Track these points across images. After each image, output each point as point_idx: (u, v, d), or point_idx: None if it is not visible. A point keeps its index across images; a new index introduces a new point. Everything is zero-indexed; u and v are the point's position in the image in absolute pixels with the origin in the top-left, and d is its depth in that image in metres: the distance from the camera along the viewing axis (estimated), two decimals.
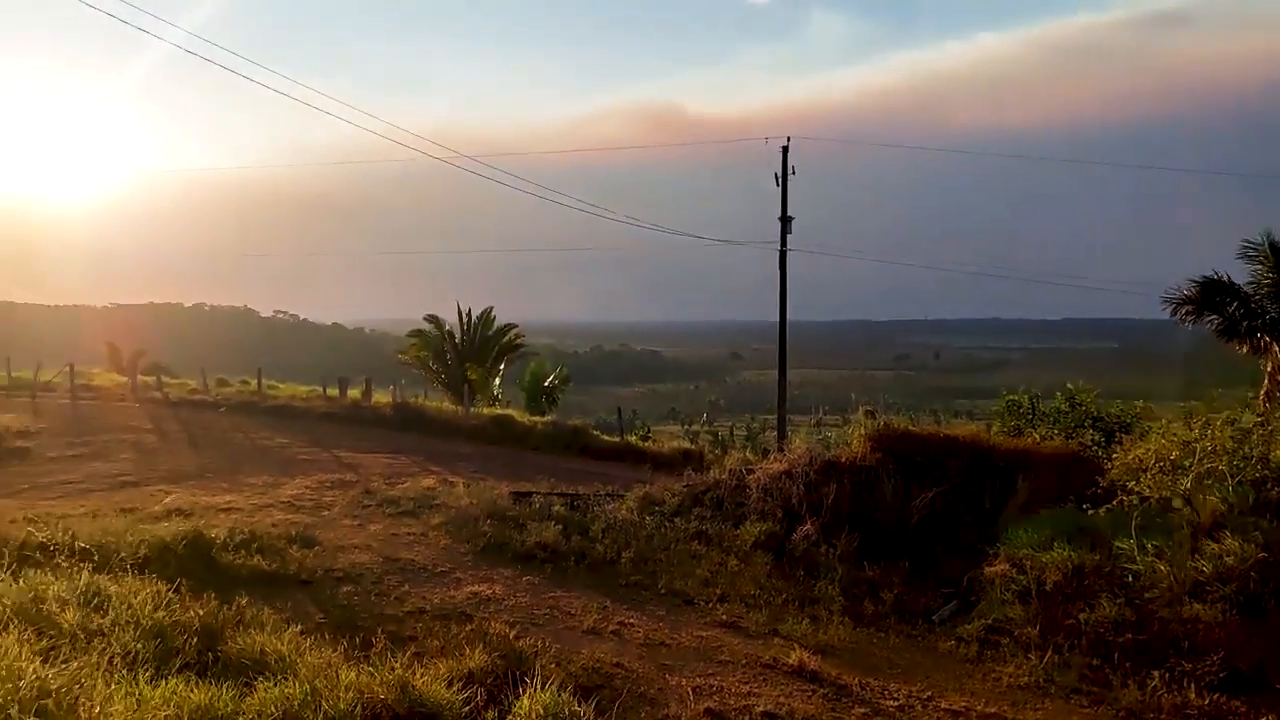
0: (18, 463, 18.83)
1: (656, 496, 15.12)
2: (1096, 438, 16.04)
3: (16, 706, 3.91)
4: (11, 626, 6.39)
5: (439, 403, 32.77)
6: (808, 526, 13.17)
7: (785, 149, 32.29)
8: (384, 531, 12.96)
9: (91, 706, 4.23)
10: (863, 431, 15.01)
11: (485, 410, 30.61)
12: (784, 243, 32.39)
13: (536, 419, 28.61)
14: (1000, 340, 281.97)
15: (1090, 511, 11.43)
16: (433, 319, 43.70)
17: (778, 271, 32.69)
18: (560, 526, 12.98)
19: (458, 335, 42.87)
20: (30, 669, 4.38)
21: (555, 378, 39.45)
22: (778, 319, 33.48)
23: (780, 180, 32.10)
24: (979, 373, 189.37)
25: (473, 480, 16.84)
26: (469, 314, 43.24)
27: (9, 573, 8.60)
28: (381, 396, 30.73)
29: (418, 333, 44.08)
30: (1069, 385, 16.84)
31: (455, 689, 6.39)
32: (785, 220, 32.23)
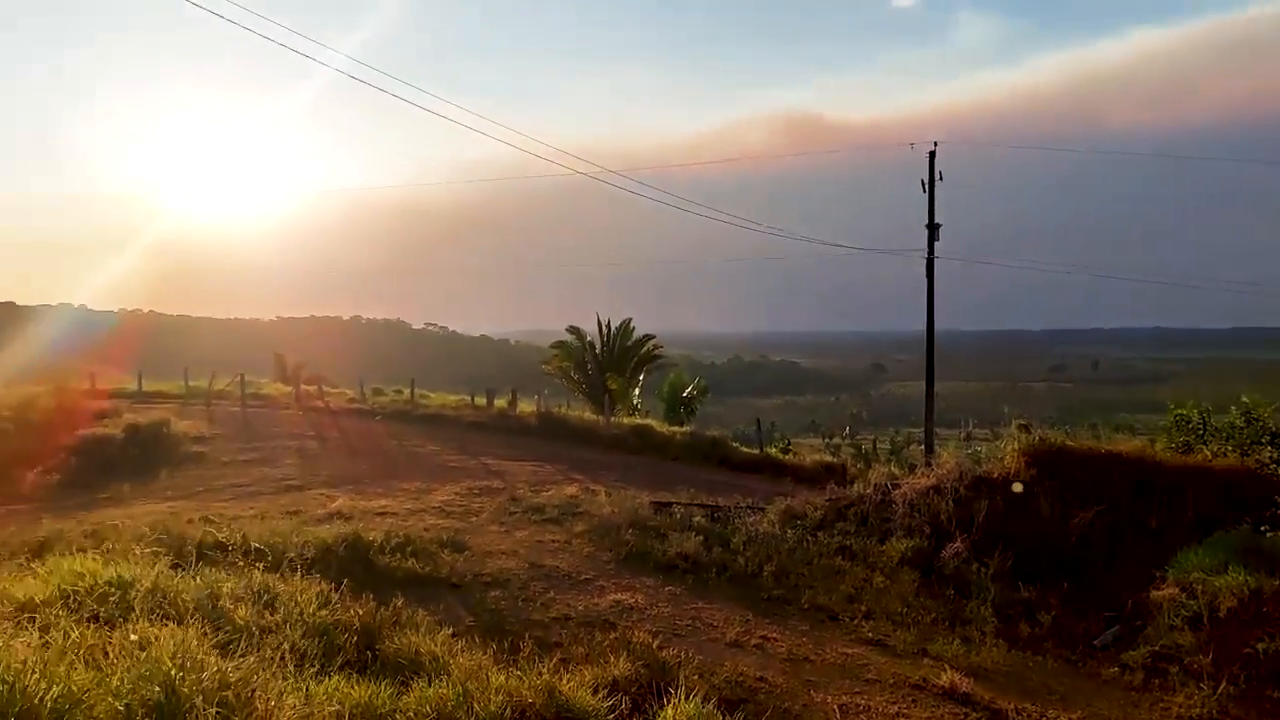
0: (194, 466, 20.25)
1: (798, 510, 14.93)
2: (1275, 455, 14.86)
3: (200, 697, 4.19)
4: (191, 620, 6.86)
5: (581, 412, 33.33)
6: (957, 544, 12.73)
7: (932, 154, 31.41)
8: (529, 538, 13.27)
9: (267, 700, 4.49)
10: (1016, 446, 14.41)
11: (625, 420, 30.94)
12: (931, 250, 31.45)
13: (675, 429, 28.70)
14: (1162, 350, 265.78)
15: (1269, 533, 10.62)
16: (574, 330, 44.51)
17: (925, 279, 31.78)
18: (701, 538, 12.99)
19: (598, 346, 43.51)
20: (211, 662, 4.68)
21: (694, 388, 39.49)
22: (925, 328, 32.53)
23: (927, 186, 31.23)
24: (1140, 385, 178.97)
25: (614, 489, 17.04)
26: (609, 325, 43.84)
27: (189, 570, 9.26)
28: (526, 406, 31.49)
29: (560, 344, 44.98)
30: (1244, 399, 15.66)
31: (600, 696, 6.46)
32: (933, 227, 31.31)
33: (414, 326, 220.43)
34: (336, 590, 8.89)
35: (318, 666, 6.25)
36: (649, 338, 44.42)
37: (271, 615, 7.80)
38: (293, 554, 10.48)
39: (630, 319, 44.41)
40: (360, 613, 8.15)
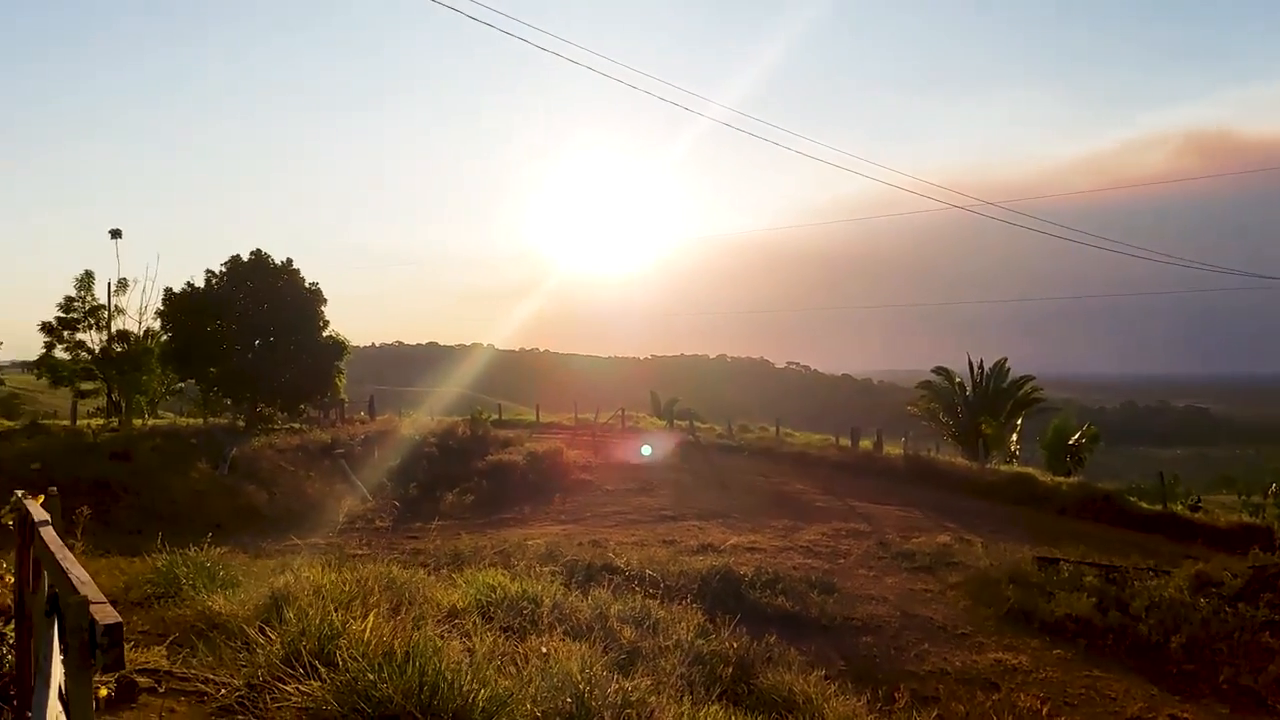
0: (583, 494, 22.01)
1: (1213, 576, 13.12)
2: None
3: (609, 712, 4.53)
4: (587, 637, 7.45)
5: (951, 457, 31.87)
6: None
7: None
8: (900, 585, 12.89)
9: None
10: None
11: (1001, 467, 29.09)
12: None
13: (1060, 479, 26.47)
14: None
15: None
16: (942, 371, 42.78)
17: None
18: (1094, 599, 11.85)
19: (968, 387, 41.43)
20: (612, 679, 5.05)
21: (1082, 435, 36.20)
22: None
23: None
24: None
25: (990, 540, 16.07)
26: (980, 365, 41.62)
27: (581, 589, 10.09)
28: (891, 448, 30.72)
29: (926, 384, 43.42)
30: None
31: None
32: None
33: (776, 365, 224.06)
34: (710, 620, 9.23)
35: (699, 694, 6.52)
36: (1027, 379, 41.53)
37: (653, 639, 8.26)
38: (670, 582, 11.04)
39: (1005, 359, 41.84)
40: (735, 646, 8.38)
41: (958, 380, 42.06)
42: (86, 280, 33.71)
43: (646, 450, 26.13)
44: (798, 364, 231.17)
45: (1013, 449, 38.17)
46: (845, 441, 31.75)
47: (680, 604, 9.75)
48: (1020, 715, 7.64)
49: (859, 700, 7.49)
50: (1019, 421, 40.69)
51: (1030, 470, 28.84)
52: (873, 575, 13.45)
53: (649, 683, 5.45)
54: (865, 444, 31.15)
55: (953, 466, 28.37)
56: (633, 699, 4.81)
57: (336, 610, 6.16)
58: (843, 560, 14.42)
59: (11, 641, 5.53)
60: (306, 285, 35.10)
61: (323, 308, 35.33)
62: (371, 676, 4.72)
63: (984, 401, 40.38)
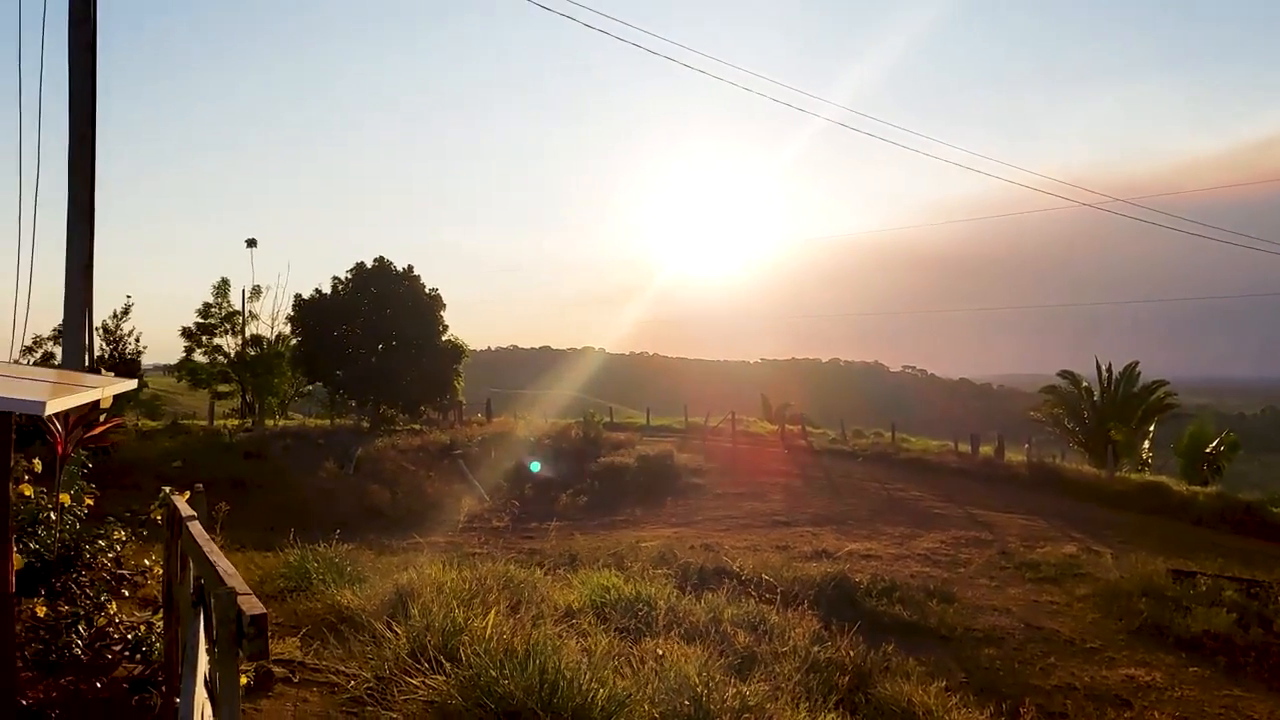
0: (693, 496, 22.02)
1: None
2: None
3: (727, 716, 4.53)
4: (701, 641, 7.46)
5: (1077, 464, 30.61)
6: None
7: None
8: (1023, 596, 12.46)
9: None
10: None
11: (1132, 476, 27.78)
12: None
13: (1197, 489, 25.13)
14: None
15: None
16: (1068, 375, 41.17)
17: None
18: (1234, 615, 11.22)
19: (1096, 392, 39.74)
20: (729, 683, 5.05)
21: (1220, 443, 34.28)
22: None
23: None
24: None
25: (1120, 552, 15.38)
26: (1109, 369, 39.87)
27: (693, 592, 10.11)
28: (1013, 454, 29.71)
29: (1051, 389, 41.87)
30: None
31: None
32: None
33: (892, 370, 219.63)
34: (825, 627, 9.11)
35: (816, 701, 6.45)
36: (1160, 384, 39.59)
37: (768, 644, 8.21)
38: (784, 587, 10.93)
39: (1136, 362, 39.99)
40: (853, 654, 8.25)
41: (1085, 385, 40.41)
42: (223, 287, 35.60)
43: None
44: (913, 368, 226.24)
45: (1145, 457, 36.44)
46: (965, 447, 30.86)
47: (795, 610, 9.65)
48: None
49: (981, 714, 7.28)
50: (1151, 428, 38.82)
51: (1164, 479, 27.46)
52: (995, 585, 13.03)
53: (766, 688, 5.42)
54: (985, 450, 30.20)
55: (1080, 474, 27.25)
56: (750, 704, 4.80)
57: (458, 607, 6.34)
58: (963, 569, 14.02)
59: (160, 630, 5.90)
60: (427, 291, 36.24)
61: (442, 312, 36.43)
62: (494, 673, 4.84)
63: (1113, 407, 38.69)
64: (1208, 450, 33.84)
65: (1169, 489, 24.67)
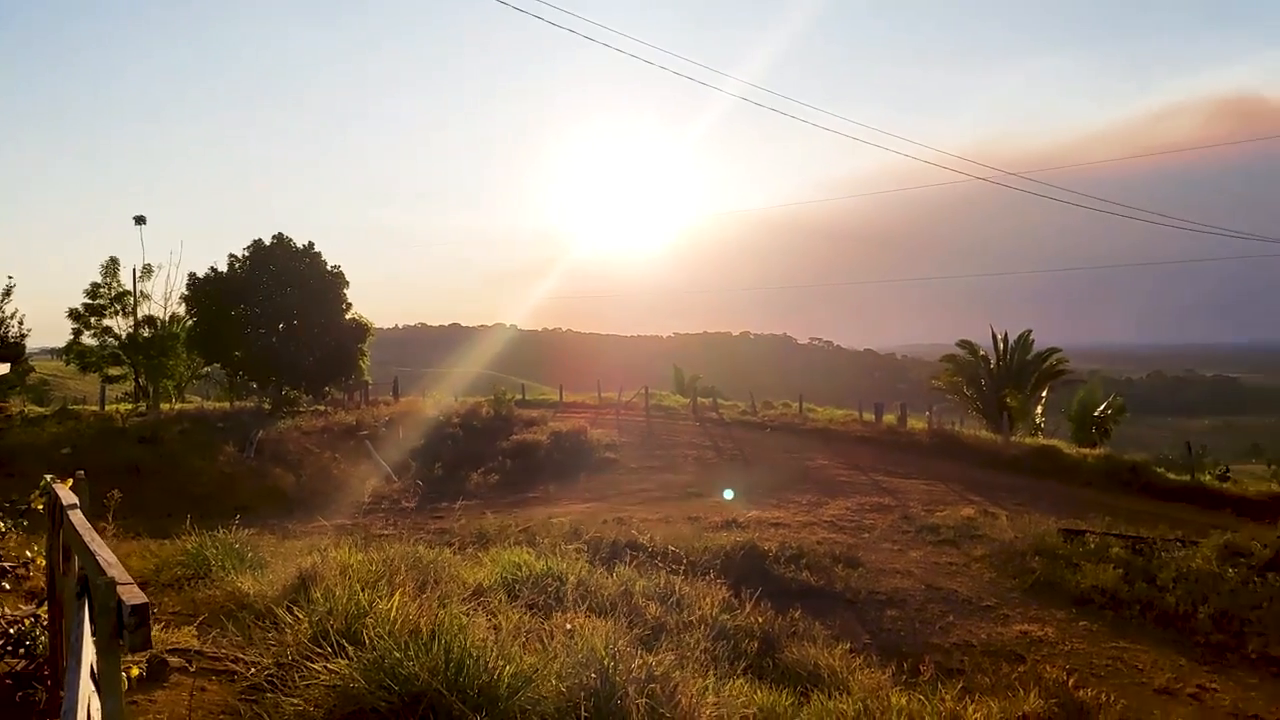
0: (608, 472, 22.07)
1: (1241, 546, 13.03)
2: None
3: (632, 687, 4.56)
4: (611, 614, 7.49)
5: (975, 430, 31.71)
6: None
7: None
8: (924, 559, 12.87)
9: (689, 695, 4.78)
10: None
11: (1026, 440, 28.92)
12: None
13: (1086, 452, 26.30)
14: None
15: None
16: (966, 344, 42.56)
17: None
18: (1121, 570, 11.80)
19: (993, 360, 41.20)
20: (636, 655, 5.08)
21: (1108, 407, 35.92)
22: None
23: None
24: None
25: (1015, 513, 16.00)
26: (1005, 338, 41.34)
27: (605, 567, 10.14)
28: (915, 422, 30.60)
29: (950, 358, 43.22)
30: None
31: None
32: None
33: (799, 341, 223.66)
34: (734, 595, 9.25)
35: (723, 668, 6.54)
36: (1052, 351, 41.23)
37: (679, 614, 8.31)
38: (694, 558, 11.06)
39: (1029, 331, 41.56)
40: (760, 620, 8.40)
41: (981, 353, 41.82)
42: (112, 267, 34.11)
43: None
44: (820, 340, 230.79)
45: (1038, 422, 37.96)
46: (869, 416, 31.67)
47: (704, 580, 9.78)
48: (1046, 686, 7.61)
49: (884, 673, 7.50)
50: (1044, 394, 40.45)
51: (1056, 442, 28.68)
52: (897, 549, 13.43)
53: (673, 658, 5.47)
54: (889, 419, 31.04)
55: (977, 440, 28.24)
56: (657, 673, 4.84)
57: (363, 590, 6.22)
58: (867, 534, 14.41)
59: (45, 623, 5.64)
60: (329, 268, 35.30)
61: (345, 290, 35.54)
62: (398, 654, 4.77)
63: (1008, 374, 40.13)
64: (1096, 414, 35.42)
65: (1060, 452, 25.75)
